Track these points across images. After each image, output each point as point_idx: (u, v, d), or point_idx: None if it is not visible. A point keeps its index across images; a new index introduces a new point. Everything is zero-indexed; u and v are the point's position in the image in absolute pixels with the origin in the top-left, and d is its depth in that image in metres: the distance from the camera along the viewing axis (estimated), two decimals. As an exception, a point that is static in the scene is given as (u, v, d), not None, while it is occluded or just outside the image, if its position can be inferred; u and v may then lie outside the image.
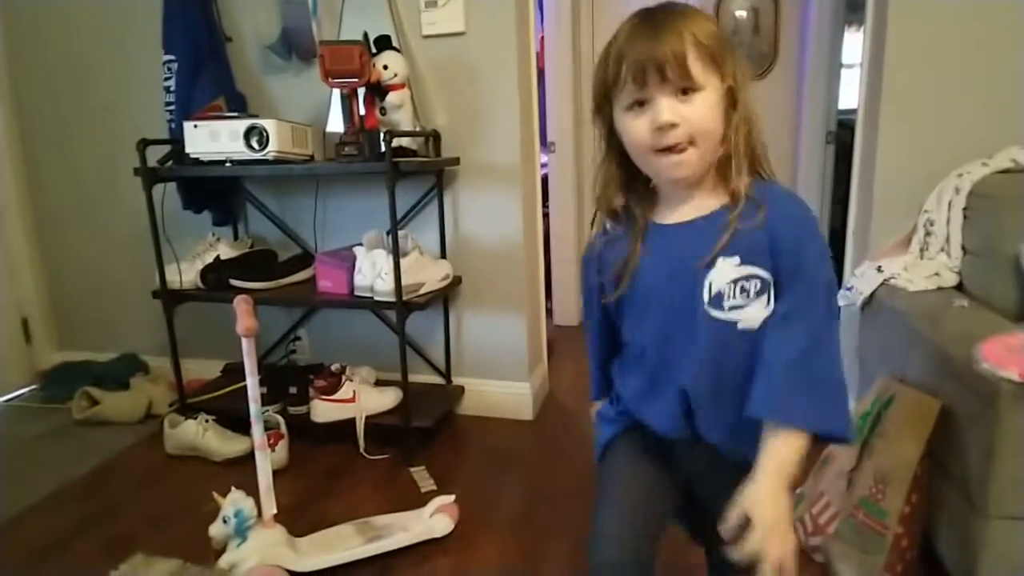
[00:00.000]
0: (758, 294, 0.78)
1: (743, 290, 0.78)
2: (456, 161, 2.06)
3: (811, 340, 0.76)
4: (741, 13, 3.10)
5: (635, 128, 0.78)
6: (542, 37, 3.08)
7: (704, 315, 0.80)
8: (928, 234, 1.65)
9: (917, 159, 1.71)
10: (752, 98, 0.80)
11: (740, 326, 0.79)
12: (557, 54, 3.06)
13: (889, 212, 1.77)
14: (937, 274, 1.58)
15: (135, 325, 2.53)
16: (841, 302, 1.82)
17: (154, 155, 2.03)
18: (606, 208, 0.88)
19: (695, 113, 0.75)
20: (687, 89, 0.75)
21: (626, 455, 0.93)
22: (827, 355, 0.78)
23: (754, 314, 0.78)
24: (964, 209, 1.56)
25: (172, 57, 2.05)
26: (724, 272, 0.78)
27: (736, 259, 0.78)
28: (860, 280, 1.72)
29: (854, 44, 2.76)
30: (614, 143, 0.84)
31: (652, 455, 0.92)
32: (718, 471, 0.85)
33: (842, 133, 2.80)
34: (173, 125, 2.08)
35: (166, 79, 2.07)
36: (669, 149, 0.77)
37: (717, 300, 0.79)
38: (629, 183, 0.87)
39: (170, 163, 2.05)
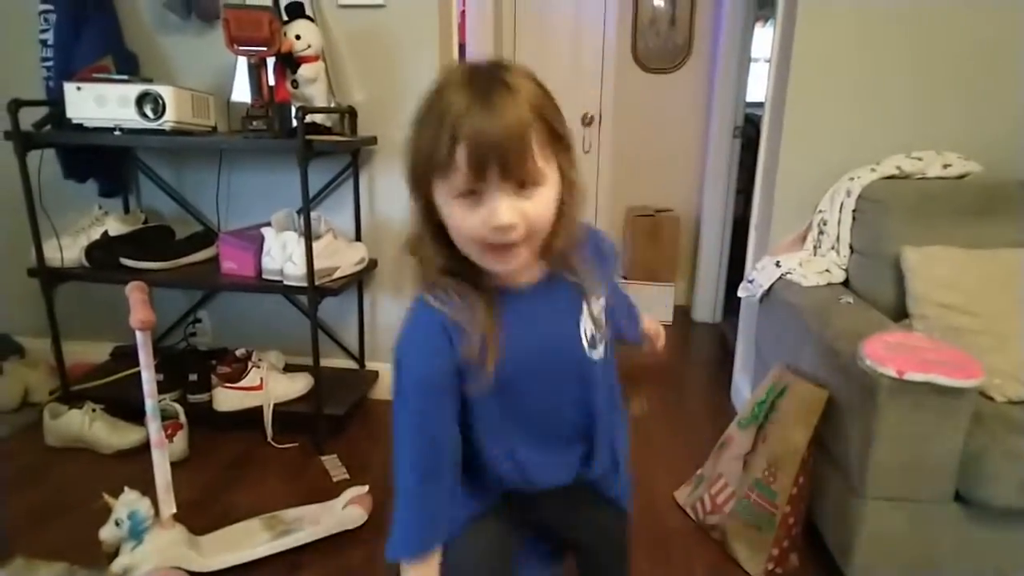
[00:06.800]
0: (606, 320, 0.83)
1: (602, 323, 0.82)
2: (373, 140, 1.98)
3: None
4: (659, 3, 3.15)
5: (467, 222, 0.67)
6: (463, 11, 3.00)
7: (585, 361, 0.81)
8: (821, 232, 1.77)
9: (815, 160, 1.82)
10: (579, 173, 0.73)
11: (595, 356, 0.82)
12: (479, 29, 3.00)
13: (788, 209, 1.88)
14: (827, 270, 1.70)
15: (8, 303, 2.28)
16: (742, 293, 1.93)
17: (30, 117, 1.82)
18: (430, 283, 0.75)
19: (535, 210, 0.68)
20: (526, 183, 0.66)
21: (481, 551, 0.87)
22: None
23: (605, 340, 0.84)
24: (853, 211, 1.68)
25: (50, 7, 1.84)
26: (592, 315, 0.81)
27: (600, 298, 0.82)
28: (760, 273, 1.82)
29: (764, 38, 2.88)
30: (433, 219, 0.71)
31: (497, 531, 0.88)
32: (575, 497, 0.90)
33: (748, 128, 2.94)
34: (51, 84, 1.87)
35: (43, 31, 1.86)
36: (503, 246, 0.69)
37: (592, 342, 0.81)
38: (452, 258, 0.73)
39: (48, 127, 1.85)
